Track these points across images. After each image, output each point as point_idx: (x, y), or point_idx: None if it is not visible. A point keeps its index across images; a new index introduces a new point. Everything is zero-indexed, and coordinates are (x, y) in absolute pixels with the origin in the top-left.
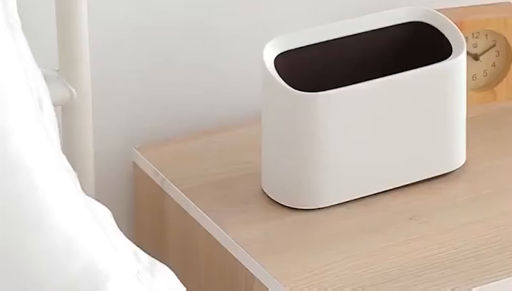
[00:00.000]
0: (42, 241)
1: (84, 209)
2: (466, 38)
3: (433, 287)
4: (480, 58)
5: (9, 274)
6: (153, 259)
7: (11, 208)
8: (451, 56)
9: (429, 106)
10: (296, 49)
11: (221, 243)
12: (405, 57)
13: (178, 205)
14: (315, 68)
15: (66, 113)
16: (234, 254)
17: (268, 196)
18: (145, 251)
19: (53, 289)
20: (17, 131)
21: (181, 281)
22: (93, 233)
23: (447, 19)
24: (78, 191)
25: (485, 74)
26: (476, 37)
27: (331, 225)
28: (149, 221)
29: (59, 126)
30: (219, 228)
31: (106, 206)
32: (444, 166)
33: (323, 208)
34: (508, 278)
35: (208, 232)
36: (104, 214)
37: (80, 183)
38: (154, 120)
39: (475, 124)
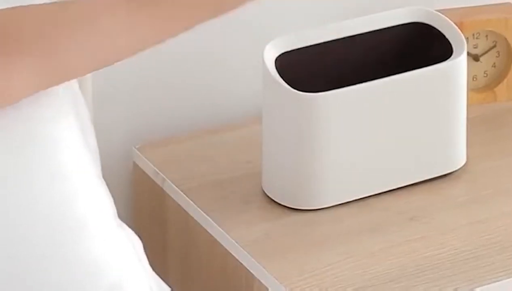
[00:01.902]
0: (71, 259)
1: (119, 230)
2: (467, 38)
3: (433, 288)
4: (481, 58)
5: (39, 278)
6: None
7: (44, 224)
8: (452, 57)
9: (430, 107)
10: (296, 49)
11: (222, 243)
12: (405, 57)
13: (179, 205)
14: (316, 68)
15: None
16: (234, 254)
17: (268, 196)
18: (145, 251)
19: None
20: (65, 142)
21: (181, 281)
22: (125, 254)
23: (448, 19)
24: (114, 214)
25: (485, 74)
26: (477, 38)
27: (331, 225)
28: (149, 221)
29: None
30: (220, 228)
31: None
32: (445, 167)
33: (323, 208)
34: (509, 279)
35: (208, 232)
36: (135, 241)
37: None
38: (155, 120)
39: (476, 125)
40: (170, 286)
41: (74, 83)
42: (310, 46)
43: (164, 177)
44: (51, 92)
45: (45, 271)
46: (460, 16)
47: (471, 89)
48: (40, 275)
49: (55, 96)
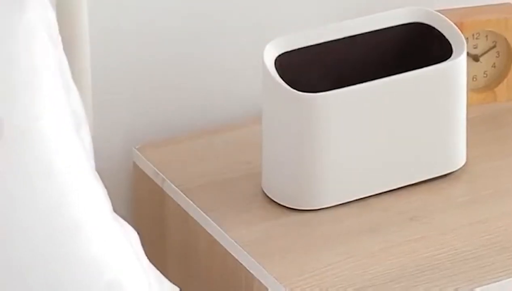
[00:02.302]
0: (70, 258)
1: (116, 226)
2: (466, 39)
3: (433, 288)
4: (480, 59)
5: (39, 278)
6: (172, 285)
7: (43, 224)
8: (452, 57)
9: (430, 107)
10: (296, 49)
11: (221, 243)
12: (405, 58)
13: (178, 205)
14: (316, 68)
15: None
16: (234, 255)
17: (268, 196)
18: (145, 252)
19: None
20: (59, 139)
21: (181, 281)
22: (123, 250)
23: (448, 20)
24: (110, 209)
25: (485, 75)
26: (476, 38)
27: (331, 225)
28: (149, 221)
29: None
30: (219, 229)
31: None
32: (445, 167)
33: (323, 208)
34: (509, 279)
35: (208, 233)
36: (132, 235)
37: None
38: (155, 120)
39: (475, 125)
40: None
41: (69, 80)
42: (310, 46)
43: (164, 177)
44: (44, 87)
45: (44, 270)
46: (460, 16)
47: (471, 89)
48: (39, 274)
49: (48, 91)
